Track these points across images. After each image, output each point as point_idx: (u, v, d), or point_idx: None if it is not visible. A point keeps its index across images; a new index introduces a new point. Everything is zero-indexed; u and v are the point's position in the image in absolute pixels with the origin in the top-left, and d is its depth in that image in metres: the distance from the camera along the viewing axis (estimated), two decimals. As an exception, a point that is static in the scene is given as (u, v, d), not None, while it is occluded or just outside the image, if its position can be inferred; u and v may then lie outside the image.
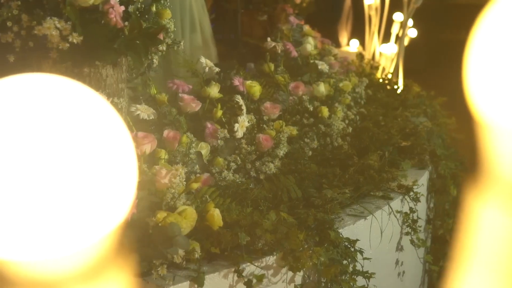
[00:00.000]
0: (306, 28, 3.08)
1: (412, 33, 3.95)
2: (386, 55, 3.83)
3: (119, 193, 0.37)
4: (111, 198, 0.38)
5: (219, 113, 2.01)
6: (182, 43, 2.04)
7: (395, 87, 3.33)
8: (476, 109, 0.39)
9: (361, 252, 1.70)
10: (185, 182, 1.56)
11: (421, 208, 2.16)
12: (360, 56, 3.67)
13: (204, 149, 1.89)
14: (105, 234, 0.38)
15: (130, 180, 0.38)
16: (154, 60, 1.94)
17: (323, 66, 2.68)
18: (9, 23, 1.58)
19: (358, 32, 4.65)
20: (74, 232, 0.38)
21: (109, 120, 0.39)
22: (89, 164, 0.38)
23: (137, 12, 1.77)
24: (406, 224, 2.01)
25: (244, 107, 2.04)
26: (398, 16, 3.78)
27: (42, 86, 0.40)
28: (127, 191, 0.38)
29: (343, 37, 5.14)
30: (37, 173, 0.38)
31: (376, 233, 1.87)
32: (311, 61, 2.74)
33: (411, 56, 3.88)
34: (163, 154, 1.72)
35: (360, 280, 1.66)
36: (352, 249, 1.68)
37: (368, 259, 1.73)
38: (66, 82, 0.40)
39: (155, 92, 1.99)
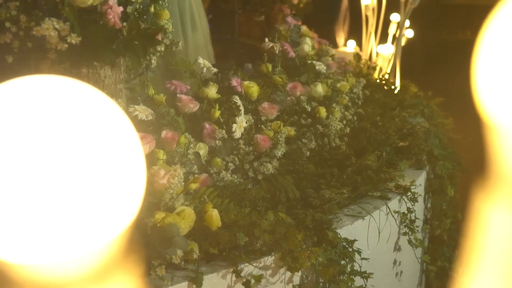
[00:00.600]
0: (304, 28, 3.09)
1: (409, 33, 3.96)
2: (383, 56, 3.83)
3: (127, 195, 0.38)
4: (120, 200, 0.38)
5: (217, 113, 2.02)
6: (180, 44, 2.04)
7: (393, 87, 3.33)
8: (483, 110, 0.39)
9: (359, 252, 1.71)
10: (183, 183, 1.56)
11: (419, 208, 2.17)
12: (357, 56, 3.67)
13: (202, 149, 1.90)
14: (114, 236, 0.38)
15: (138, 183, 0.38)
16: (153, 61, 1.94)
17: (320, 66, 2.68)
18: (7, 24, 1.58)
19: (355, 32, 4.65)
20: (83, 235, 0.38)
21: (120, 123, 0.40)
22: (98, 167, 0.38)
23: (136, 13, 1.77)
24: (403, 224, 2.01)
25: (242, 108, 2.04)
26: (395, 17, 3.79)
27: (52, 88, 0.40)
28: (135, 193, 0.38)
29: (340, 38, 5.15)
30: (47, 176, 0.38)
31: (374, 233, 1.87)
32: (309, 62, 2.74)
33: (408, 56, 3.88)
34: (162, 155, 1.72)
35: (358, 280, 1.67)
36: (350, 249, 1.69)
37: (366, 259, 1.73)
38: (75, 83, 0.40)
39: (153, 92, 1.99)
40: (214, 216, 1.52)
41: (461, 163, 2.66)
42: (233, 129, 1.96)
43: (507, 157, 0.38)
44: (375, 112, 2.73)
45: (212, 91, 2.08)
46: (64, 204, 0.39)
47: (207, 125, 1.96)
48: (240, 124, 1.99)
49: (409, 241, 2.01)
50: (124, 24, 1.69)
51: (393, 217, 1.96)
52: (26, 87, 0.40)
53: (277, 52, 2.63)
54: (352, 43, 4.83)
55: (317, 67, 2.67)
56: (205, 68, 2.17)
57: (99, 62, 1.72)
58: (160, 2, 1.92)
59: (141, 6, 1.82)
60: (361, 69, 3.52)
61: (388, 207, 1.94)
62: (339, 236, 1.67)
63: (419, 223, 2.10)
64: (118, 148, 0.39)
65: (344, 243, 1.69)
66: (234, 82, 2.21)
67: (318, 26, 3.91)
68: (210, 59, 3.04)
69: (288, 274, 1.58)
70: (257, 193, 1.80)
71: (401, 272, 2.11)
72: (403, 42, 3.68)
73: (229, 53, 3.89)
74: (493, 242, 0.40)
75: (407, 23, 3.68)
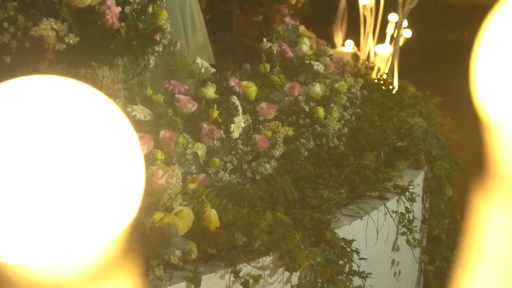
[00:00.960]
0: (302, 28, 3.09)
1: (407, 33, 3.96)
2: (381, 56, 3.84)
3: (126, 196, 0.38)
4: (119, 201, 0.38)
5: (215, 113, 2.02)
6: (179, 44, 2.03)
7: (391, 87, 3.33)
8: (481, 110, 0.39)
9: (357, 252, 1.71)
10: (181, 183, 1.56)
11: (417, 208, 2.17)
12: (355, 56, 3.67)
13: (201, 149, 1.90)
14: (113, 236, 0.38)
15: (137, 183, 0.38)
16: (151, 61, 1.94)
17: (318, 66, 2.68)
18: (5, 24, 1.58)
19: (353, 32, 4.66)
20: (82, 235, 0.38)
21: (118, 123, 0.40)
22: (97, 167, 0.38)
23: (134, 13, 1.77)
24: (402, 224, 2.01)
25: (240, 108, 2.04)
26: (393, 17, 3.79)
27: (50, 88, 0.40)
28: (134, 193, 0.38)
29: (338, 38, 5.15)
30: (46, 176, 0.38)
31: (372, 233, 1.87)
32: (307, 62, 2.74)
33: (406, 56, 3.89)
34: (160, 155, 1.72)
35: (357, 280, 1.67)
36: (348, 249, 1.69)
37: (364, 259, 1.73)
38: (73, 84, 0.40)
39: (151, 92, 1.99)
40: (212, 216, 1.52)
41: (459, 163, 2.66)
42: (231, 129, 1.96)
43: (505, 156, 0.38)
44: (373, 112, 2.74)
45: (210, 91, 2.08)
46: (63, 205, 0.39)
47: (205, 125, 1.96)
48: (238, 124, 1.99)
49: (407, 241, 2.01)
50: (122, 24, 1.69)
51: (391, 217, 1.96)
52: (24, 87, 0.40)
53: (275, 52, 2.63)
54: (350, 43, 4.83)
55: (315, 67, 2.67)
56: (203, 68, 2.17)
57: (97, 62, 1.71)
58: (158, 2, 1.92)
59: (139, 6, 1.82)
60: (359, 69, 3.52)
61: (386, 207, 1.94)
62: (337, 236, 1.67)
63: (417, 223, 2.10)
64: (117, 149, 0.39)
65: (343, 243, 1.69)
66: (232, 82, 2.21)
67: (316, 26, 3.92)
68: (209, 60, 3.04)
69: (287, 274, 1.59)
70: (255, 193, 1.80)
71: (399, 272, 2.11)
72: (401, 42, 3.68)
73: (227, 53, 3.89)
74: (491, 242, 0.40)
75: (405, 23, 3.69)
